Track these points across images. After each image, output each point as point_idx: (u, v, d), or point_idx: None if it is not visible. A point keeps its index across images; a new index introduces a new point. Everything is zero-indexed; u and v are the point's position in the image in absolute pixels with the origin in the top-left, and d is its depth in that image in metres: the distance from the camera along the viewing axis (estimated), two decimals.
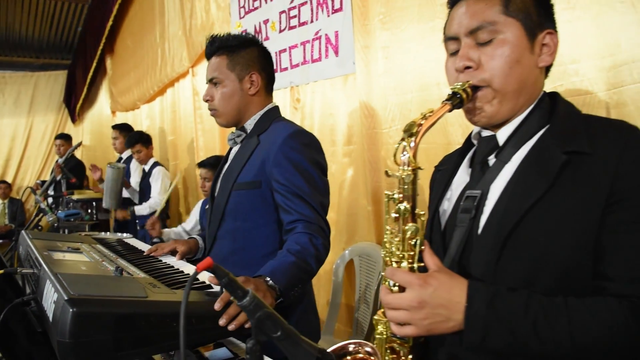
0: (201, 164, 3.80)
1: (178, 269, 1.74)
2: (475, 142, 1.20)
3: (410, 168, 0.97)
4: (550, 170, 0.98)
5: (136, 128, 6.03)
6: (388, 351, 1.02)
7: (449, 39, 1.14)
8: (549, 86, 1.86)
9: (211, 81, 1.94)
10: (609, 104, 1.75)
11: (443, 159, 1.34)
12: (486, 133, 1.15)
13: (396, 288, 0.97)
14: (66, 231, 4.56)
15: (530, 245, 0.98)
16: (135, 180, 5.25)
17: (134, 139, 5.14)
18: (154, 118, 6.30)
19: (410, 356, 1.01)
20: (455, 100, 1.03)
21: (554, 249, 0.96)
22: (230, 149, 2.03)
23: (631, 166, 0.94)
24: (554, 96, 1.14)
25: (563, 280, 0.96)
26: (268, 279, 1.46)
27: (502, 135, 1.11)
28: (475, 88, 1.07)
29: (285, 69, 3.44)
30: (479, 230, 1.05)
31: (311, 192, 1.71)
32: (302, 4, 3.25)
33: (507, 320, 0.90)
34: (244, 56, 1.92)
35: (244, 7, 3.96)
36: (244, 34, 2.01)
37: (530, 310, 0.90)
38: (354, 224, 2.89)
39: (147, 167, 5.11)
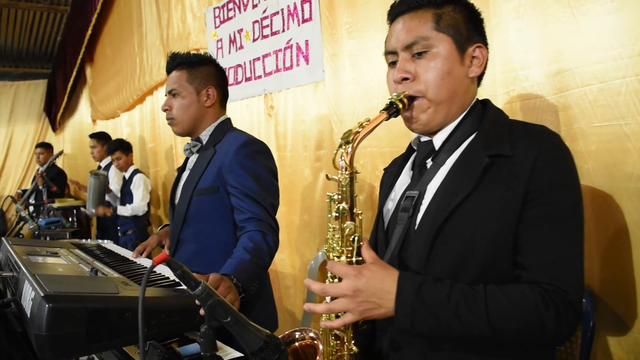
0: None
1: (146, 268, 1.85)
2: (415, 147, 1.32)
3: (347, 172, 1.10)
4: (475, 172, 1.10)
5: (117, 136, 6.10)
6: (332, 337, 1.13)
7: (388, 52, 1.26)
8: (501, 91, 2.02)
9: (170, 92, 2.10)
10: (557, 107, 1.87)
11: (392, 162, 1.46)
12: (424, 139, 1.27)
13: (336, 280, 1.08)
14: (47, 238, 4.61)
15: (457, 240, 1.10)
16: (114, 187, 5.33)
17: (114, 146, 5.22)
18: (134, 126, 6.37)
19: (353, 342, 1.12)
20: (392, 110, 1.15)
21: (478, 242, 1.08)
22: (187, 159, 2.16)
23: (543, 168, 1.06)
24: (485, 103, 1.26)
25: (486, 271, 1.08)
26: (233, 276, 1.57)
27: (438, 140, 1.23)
28: (412, 98, 1.19)
29: (259, 77, 3.55)
30: (416, 227, 1.17)
31: (262, 193, 1.86)
32: (274, 14, 3.36)
33: (432, 307, 1.02)
34: (202, 72, 2.10)
35: (219, 17, 4.06)
36: (202, 53, 2.18)
37: (453, 297, 1.02)
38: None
39: (127, 175, 5.19)
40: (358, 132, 1.12)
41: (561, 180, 1.08)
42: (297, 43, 3.14)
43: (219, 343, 1.39)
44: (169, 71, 2.16)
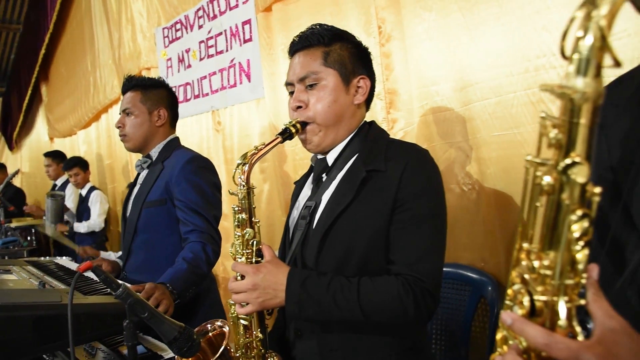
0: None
1: (95, 280, 2.00)
2: (312, 164, 1.53)
3: (245, 188, 1.30)
4: (355, 184, 1.32)
5: (74, 153, 6.18)
6: (241, 328, 1.32)
7: (287, 84, 1.47)
8: (417, 105, 2.24)
9: (124, 111, 2.29)
10: (464, 118, 2.10)
11: (302, 177, 1.67)
12: (320, 156, 1.48)
13: (240, 277, 1.28)
14: (6, 257, 4.65)
15: (340, 241, 1.32)
16: (70, 205, 5.40)
17: (72, 162, 5.29)
18: (91, 143, 6.44)
19: (259, 329, 1.32)
20: (286, 134, 1.36)
21: (357, 243, 1.30)
22: (138, 174, 2.33)
23: (408, 180, 1.28)
24: (370, 125, 1.48)
25: (365, 266, 1.30)
26: (168, 284, 1.76)
27: (330, 158, 1.44)
28: (304, 123, 1.40)
29: (207, 94, 3.72)
30: (311, 232, 1.38)
31: (205, 206, 2.04)
32: (218, 35, 3.55)
33: (315, 296, 1.23)
34: (155, 94, 2.30)
35: (167, 37, 4.22)
36: (153, 73, 2.36)
37: (331, 287, 1.23)
38: (272, 233, 3.18)
39: (84, 192, 5.27)
40: (254, 154, 1.32)
41: (423, 190, 1.30)
42: (239, 62, 3.33)
43: (162, 344, 1.57)
44: (124, 92, 2.34)
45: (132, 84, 2.31)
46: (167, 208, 2.15)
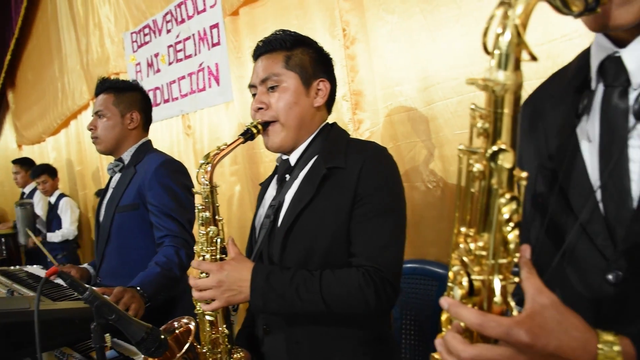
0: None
1: (66, 286, 2.01)
2: (277, 164, 1.57)
3: (208, 187, 1.33)
4: (316, 181, 1.37)
5: (43, 160, 6.08)
6: (208, 324, 1.35)
7: (250, 86, 1.51)
8: (382, 105, 2.29)
9: (97, 113, 2.29)
10: (427, 117, 2.16)
11: (267, 178, 1.70)
12: (284, 157, 1.52)
13: (204, 275, 1.31)
14: None
15: (303, 237, 1.36)
16: (39, 212, 5.32)
17: (40, 169, 5.23)
18: (60, 150, 6.35)
19: (224, 325, 1.35)
20: (247, 135, 1.40)
21: (320, 238, 1.34)
22: (111, 178, 2.33)
23: (367, 175, 1.33)
24: (332, 126, 1.53)
25: (327, 262, 1.35)
26: (138, 288, 1.77)
27: (293, 158, 1.49)
28: (266, 124, 1.44)
29: (176, 98, 3.73)
30: (276, 230, 1.42)
31: (179, 210, 2.05)
32: (187, 39, 3.56)
33: (279, 290, 1.27)
34: (128, 97, 2.29)
35: (136, 41, 4.20)
36: (123, 77, 2.36)
37: (294, 281, 1.28)
38: (244, 235, 3.18)
39: (52, 199, 5.21)
40: (217, 154, 1.36)
41: (381, 184, 1.35)
42: (208, 66, 3.35)
43: (134, 348, 1.58)
44: (97, 94, 2.34)
45: (106, 86, 2.32)
46: (140, 213, 2.15)
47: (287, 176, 1.49)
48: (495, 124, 0.66)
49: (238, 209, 3.23)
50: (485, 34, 0.67)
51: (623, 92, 0.86)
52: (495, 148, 0.65)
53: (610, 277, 0.84)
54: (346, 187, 1.34)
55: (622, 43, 0.86)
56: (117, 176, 2.31)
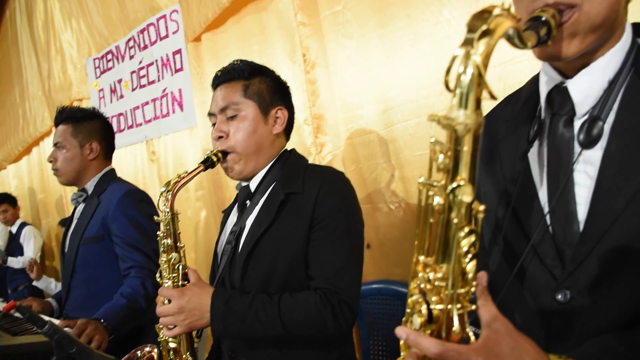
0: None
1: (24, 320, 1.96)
2: (238, 191, 1.59)
3: (169, 214, 1.34)
4: (274, 207, 1.39)
5: (4, 189, 5.95)
6: (171, 352, 1.35)
7: (209, 114, 1.52)
8: (343, 128, 2.32)
9: (56, 145, 2.26)
10: (387, 140, 2.20)
11: (229, 205, 1.71)
12: (244, 184, 1.54)
13: (167, 301, 1.31)
14: None
15: (262, 262, 1.38)
16: None
17: (0, 198, 5.10)
18: (22, 177, 6.22)
19: (188, 352, 1.35)
20: (208, 163, 1.42)
21: (279, 262, 1.36)
22: (75, 208, 2.30)
23: (323, 199, 1.36)
24: (290, 152, 1.55)
25: (287, 286, 1.37)
26: (102, 320, 1.76)
27: (253, 185, 1.51)
28: (226, 152, 1.46)
29: (140, 124, 3.71)
30: (237, 256, 1.43)
31: (144, 240, 2.05)
32: (150, 65, 3.56)
33: (238, 314, 1.29)
34: (87, 126, 2.27)
35: (99, 67, 4.18)
36: (91, 108, 2.35)
37: (253, 305, 1.29)
38: (211, 260, 3.18)
39: (14, 229, 5.08)
40: (177, 182, 1.37)
41: (337, 207, 1.38)
42: (171, 92, 3.35)
43: None
44: (56, 124, 2.32)
45: (64, 116, 2.29)
46: (105, 244, 2.14)
47: (248, 202, 1.51)
48: (455, 160, 0.68)
49: (204, 234, 3.22)
50: (447, 72, 0.69)
51: (569, 120, 0.92)
52: (455, 184, 0.68)
53: (559, 296, 0.88)
54: (304, 211, 1.37)
55: (567, 74, 0.92)
56: (81, 206, 2.29)
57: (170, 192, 1.38)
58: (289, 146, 1.66)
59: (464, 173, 0.68)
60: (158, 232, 1.41)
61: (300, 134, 2.40)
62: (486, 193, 1.06)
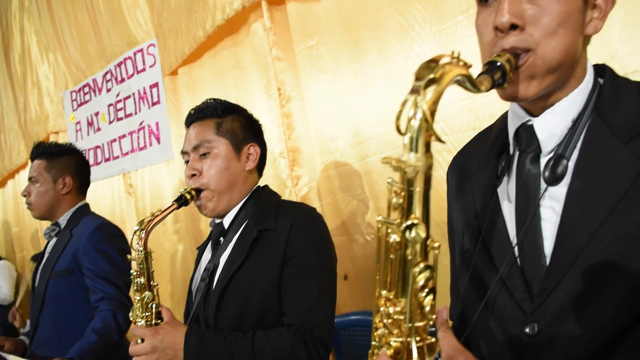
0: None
1: None
2: (211, 228, 1.59)
3: (142, 252, 1.34)
4: (247, 244, 1.40)
5: None
6: None
7: (183, 152, 1.53)
8: (319, 161, 2.34)
9: (30, 179, 2.28)
10: (361, 172, 2.22)
11: (204, 242, 1.71)
12: (218, 221, 1.55)
13: (140, 340, 1.30)
14: None
15: (236, 299, 1.38)
16: None
17: None
18: None
19: None
20: (181, 201, 1.43)
21: (253, 299, 1.37)
22: (47, 243, 2.29)
23: (295, 236, 1.38)
24: (263, 188, 1.57)
25: (261, 322, 1.37)
26: (76, 358, 1.73)
27: (226, 221, 1.52)
28: (199, 190, 1.47)
29: (117, 157, 3.69)
30: (211, 293, 1.43)
31: (115, 273, 2.04)
32: (127, 98, 3.56)
33: (212, 352, 1.30)
34: (61, 162, 2.29)
35: (76, 100, 4.17)
36: (67, 144, 2.39)
37: (227, 342, 1.30)
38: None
39: None
40: (151, 220, 1.37)
41: (309, 244, 1.40)
42: (148, 125, 3.36)
43: None
44: (32, 159, 2.34)
45: (39, 151, 2.32)
46: (76, 278, 2.12)
47: (222, 239, 1.51)
48: (409, 200, 0.71)
49: (181, 267, 3.19)
50: (398, 117, 0.72)
51: (535, 157, 0.95)
52: (409, 222, 0.70)
53: (527, 329, 0.90)
54: (276, 248, 1.38)
55: (533, 113, 0.96)
56: (53, 240, 2.29)
57: (144, 231, 1.38)
58: (266, 179, 1.68)
59: (417, 212, 0.70)
60: (131, 271, 1.41)
61: (277, 167, 2.42)
62: (458, 227, 1.09)
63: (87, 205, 2.37)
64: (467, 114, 1.81)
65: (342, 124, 2.26)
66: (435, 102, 0.70)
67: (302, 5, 2.30)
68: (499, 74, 0.84)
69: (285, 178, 2.40)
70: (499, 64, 0.84)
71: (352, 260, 2.26)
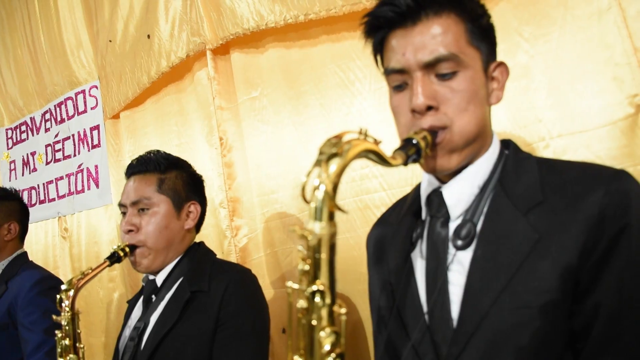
0: None
1: None
2: (143, 284, 1.55)
3: (69, 313, 1.29)
4: (180, 305, 1.37)
5: None
6: None
7: (120, 205, 1.50)
8: (259, 212, 2.32)
9: None
10: (302, 224, 2.22)
11: (134, 296, 1.66)
12: (151, 277, 1.51)
13: None
14: None
15: None
16: None
17: None
18: None
19: None
20: (114, 258, 1.39)
21: None
22: None
23: (229, 300, 1.36)
24: (199, 245, 1.55)
25: None
26: None
27: (159, 279, 1.48)
28: (133, 247, 1.43)
29: (53, 199, 3.56)
30: (139, 354, 1.38)
31: (53, 326, 1.93)
32: (66, 139, 3.46)
33: None
34: (6, 206, 2.22)
35: (11, 138, 4.02)
36: (11, 189, 2.31)
37: None
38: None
39: None
40: (81, 279, 1.33)
41: (243, 307, 1.38)
42: (87, 168, 3.26)
43: None
44: None
45: None
46: (9, 333, 2.02)
47: (154, 297, 1.47)
48: (314, 267, 0.73)
49: (116, 317, 3.06)
50: (303, 187, 0.73)
51: (444, 222, 0.99)
52: (314, 288, 0.72)
53: None
54: (209, 311, 1.35)
55: (443, 180, 1.00)
56: None
57: (73, 290, 1.33)
58: (205, 228, 1.65)
59: (323, 278, 0.73)
60: (56, 332, 1.35)
61: (217, 217, 2.38)
62: (375, 293, 1.11)
63: (25, 255, 2.28)
64: (404, 170, 1.85)
65: (283, 176, 2.26)
66: (339, 175, 0.74)
67: (245, 55, 2.32)
68: (413, 150, 0.89)
69: (224, 228, 2.36)
70: (414, 141, 0.89)
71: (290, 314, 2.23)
